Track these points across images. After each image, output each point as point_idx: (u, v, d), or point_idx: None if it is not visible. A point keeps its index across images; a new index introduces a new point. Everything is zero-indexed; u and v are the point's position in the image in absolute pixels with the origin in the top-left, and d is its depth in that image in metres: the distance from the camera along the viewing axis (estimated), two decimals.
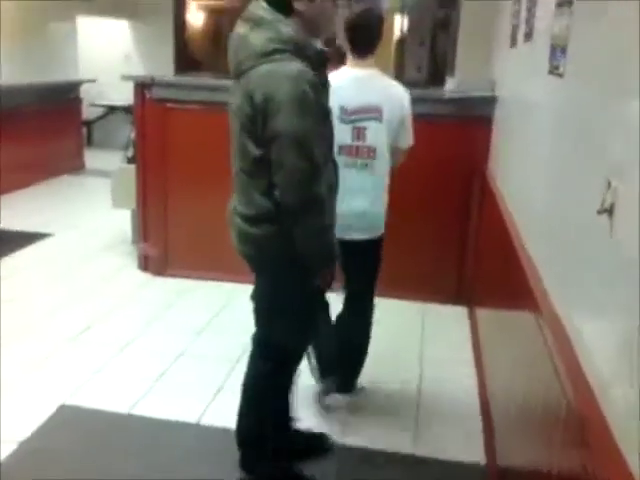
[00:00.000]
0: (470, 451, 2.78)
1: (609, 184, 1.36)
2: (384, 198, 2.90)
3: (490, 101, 3.99)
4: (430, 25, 9.41)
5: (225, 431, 2.86)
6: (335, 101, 2.43)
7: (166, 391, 3.20)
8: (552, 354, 1.70)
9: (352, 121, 2.76)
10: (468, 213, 4.24)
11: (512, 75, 3.37)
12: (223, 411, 3.01)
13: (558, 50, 2.06)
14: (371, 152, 2.79)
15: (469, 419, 3.03)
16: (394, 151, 2.88)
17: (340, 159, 2.54)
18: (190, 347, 3.66)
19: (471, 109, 4.07)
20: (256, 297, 2.43)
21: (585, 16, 1.80)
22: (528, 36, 2.78)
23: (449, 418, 3.05)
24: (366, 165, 2.80)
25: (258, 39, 2.05)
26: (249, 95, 2.03)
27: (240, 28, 2.13)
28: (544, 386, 1.77)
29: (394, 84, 2.90)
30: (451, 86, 4.20)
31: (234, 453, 2.72)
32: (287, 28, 2.05)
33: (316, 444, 2.78)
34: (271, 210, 2.13)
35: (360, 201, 2.79)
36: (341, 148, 2.72)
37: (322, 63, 2.18)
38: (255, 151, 2.10)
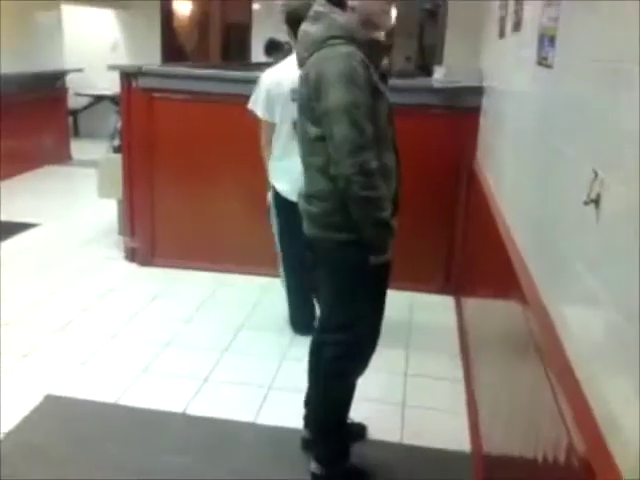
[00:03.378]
0: (456, 440, 2.80)
1: (596, 175, 1.37)
2: None
3: (478, 91, 3.99)
4: (418, 16, 9.41)
5: (211, 421, 2.87)
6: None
7: (153, 381, 3.19)
8: (538, 344, 1.71)
9: None
10: (456, 203, 4.24)
11: (501, 66, 3.37)
12: (209, 401, 3.03)
13: (546, 41, 2.06)
14: None
15: (455, 409, 3.04)
16: None
17: None
18: (177, 337, 3.66)
19: (459, 99, 4.07)
20: (320, 281, 2.44)
21: (574, 6, 1.80)
22: (516, 26, 2.77)
23: (435, 407, 3.06)
24: None
25: (315, 30, 2.19)
26: (306, 77, 2.17)
27: (304, 25, 2.25)
28: (530, 376, 1.78)
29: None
30: (439, 75, 4.19)
31: (220, 443, 2.73)
32: (341, 18, 2.17)
33: (358, 432, 2.76)
34: (328, 188, 2.19)
35: None
36: None
37: (377, 51, 2.25)
38: (312, 130, 2.19)
